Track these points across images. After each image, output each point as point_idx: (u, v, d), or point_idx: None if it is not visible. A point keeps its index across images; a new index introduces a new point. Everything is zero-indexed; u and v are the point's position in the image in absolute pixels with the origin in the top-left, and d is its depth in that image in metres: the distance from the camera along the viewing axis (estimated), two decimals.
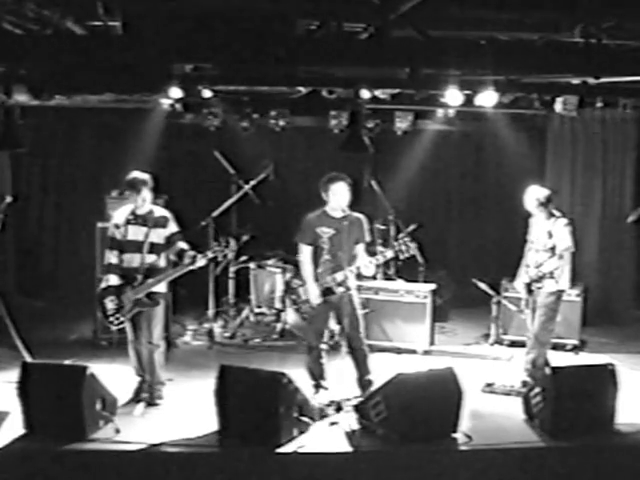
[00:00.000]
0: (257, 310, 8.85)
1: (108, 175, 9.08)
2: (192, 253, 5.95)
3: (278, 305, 8.58)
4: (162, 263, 6.14)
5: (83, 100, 8.88)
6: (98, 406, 5.46)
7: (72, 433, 5.27)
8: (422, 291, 8.01)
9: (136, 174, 6.12)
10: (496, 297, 8.11)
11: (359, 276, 6.45)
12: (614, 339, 8.45)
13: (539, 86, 7.91)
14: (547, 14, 6.05)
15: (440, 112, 9.48)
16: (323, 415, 5.79)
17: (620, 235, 9.39)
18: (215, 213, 8.63)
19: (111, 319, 6.06)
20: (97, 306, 6.23)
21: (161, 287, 6.11)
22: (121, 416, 5.70)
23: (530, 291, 6.70)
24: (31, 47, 5.77)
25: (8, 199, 7.34)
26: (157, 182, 6.25)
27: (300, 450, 5.24)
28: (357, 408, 5.67)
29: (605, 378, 5.62)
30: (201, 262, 5.96)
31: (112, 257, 6.13)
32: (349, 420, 5.65)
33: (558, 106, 8.50)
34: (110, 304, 6.04)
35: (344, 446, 5.35)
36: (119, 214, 6.21)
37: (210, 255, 6.04)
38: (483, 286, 8.14)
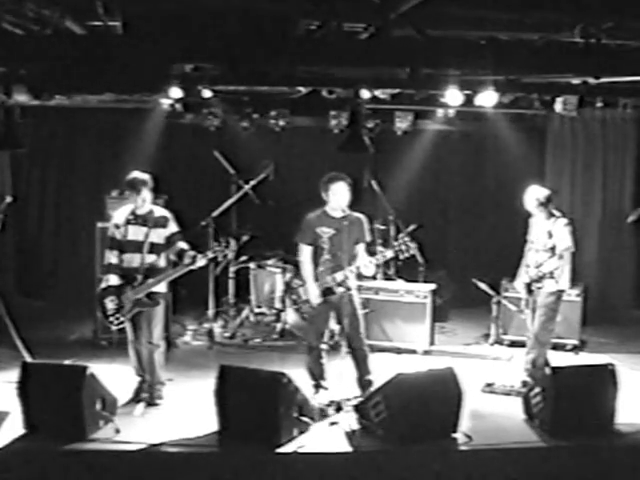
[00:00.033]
0: (257, 310, 8.84)
1: (108, 175, 9.07)
2: (192, 253, 5.95)
3: (278, 305, 8.58)
4: (162, 263, 6.14)
5: (83, 100, 8.88)
6: (98, 406, 5.46)
7: (72, 433, 5.27)
8: (422, 291, 8.01)
9: (136, 174, 6.12)
10: (496, 297, 8.11)
11: (359, 276, 6.45)
12: (614, 339, 8.45)
13: (539, 86, 7.92)
14: (547, 14, 6.05)
15: (440, 112, 9.48)
16: (323, 415, 5.79)
17: (620, 235, 9.40)
18: (215, 213, 8.63)
19: (111, 319, 6.06)
20: (97, 306, 6.23)
21: (161, 287, 6.11)
22: (121, 416, 5.70)
23: (530, 291, 6.70)
24: (31, 47, 5.77)
25: (8, 199, 7.34)
26: (157, 182, 6.25)
27: (300, 450, 5.24)
28: (357, 408, 5.67)
29: (605, 378, 5.62)
30: (201, 262, 5.96)
31: (112, 257, 6.13)
32: (349, 420, 5.65)
33: (558, 106, 8.50)
34: (110, 304, 6.04)
35: (344, 446, 5.36)
36: (119, 214, 6.21)
37: (210, 255, 6.04)
38: (483, 286, 8.14)
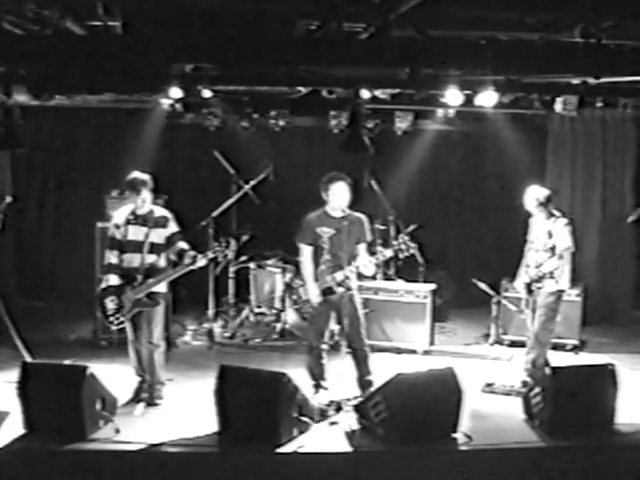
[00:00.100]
0: (257, 310, 8.85)
1: (108, 175, 9.06)
2: (192, 253, 5.95)
3: (278, 305, 8.58)
4: (162, 263, 6.14)
5: (83, 100, 8.88)
6: (98, 406, 5.46)
7: (72, 433, 5.27)
8: (422, 291, 8.01)
9: (136, 174, 6.12)
10: (496, 297, 8.11)
11: (359, 276, 6.45)
12: (614, 339, 8.46)
13: (539, 86, 7.91)
14: (547, 14, 6.05)
15: (440, 112, 9.47)
16: (323, 415, 5.79)
17: (620, 235, 9.40)
18: (215, 213, 8.64)
19: (111, 319, 6.06)
20: (97, 306, 6.23)
21: (161, 287, 6.11)
22: (121, 416, 5.71)
23: (530, 291, 6.70)
24: (31, 47, 5.76)
25: (8, 199, 7.34)
26: (157, 182, 6.26)
27: (300, 450, 5.24)
28: (357, 408, 5.67)
29: (605, 378, 5.62)
30: (201, 262, 5.96)
31: (112, 257, 6.13)
32: (349, 420, 5.65)
33: (558, 106, 8.51)
34: (110, 304, 6.04)
35: (344, 446, 5.36)
36: (119, 214, 6.22)
37: (210, 255, 6.04)
38: (483, 286, 8.14)
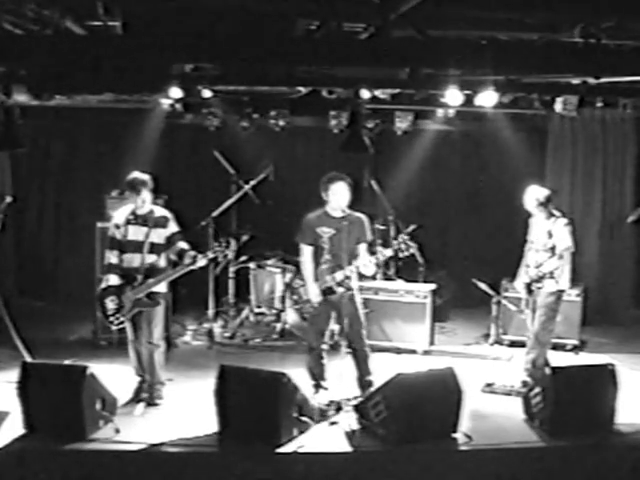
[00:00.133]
0: (257, 310, 8.85)
1: (108, 175, 9.06)
2: (193, 253, 5.95)
3: (278, 305, 8.58)
4: (162, 263, 6.14)
5: (83, 100, 8.88)
6: (98, 406, 5.46)
7: (72, 433, 5.27)
8: (422, 291, 8.01)
9: (136, 175, 6.12)
10: (496, 297, 8.11)
11: (360, 276, 6.45)
12: (614, 339, 8.45)
13: (539, 86, 7.91)
14: (547, 14, 6.05)
15: (440, 112, 9.47)
16: (323, 415, 5.79)
17: (620, 235, 9.39)
18: (215, 213, 8.64)
19: (111, 319, 6.06)
20: (97, 306, 6.23)
21: (161, 287, 6.11)
22: (121, 416, 5.71)
23: (530, 291, 6.70)
24: (31, 47, 5.77)
25: (8, 199, 7.34)
26: (157, 182, 6.25)
27: (300, 450, 5.24)
28: (357, 408, 5.67)
29: (605, 378, 5.62)
30: (202, 262, 5.96)
31: (112, 257, 6.13)
32: (349, 420, 5.65)
33: (558, 106, 8.51)
34: (110, 304, 6.04)
35: (344, 446, 5.36)
36: (119, 214, 6.21)
37: (211, 255, 6.04)
38: (483, 286, 8.13)
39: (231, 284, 9.00)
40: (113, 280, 6.07)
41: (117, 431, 5.43)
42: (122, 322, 6.06)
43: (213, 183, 9.50)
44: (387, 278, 8.75)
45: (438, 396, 5.41)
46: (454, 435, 5.42)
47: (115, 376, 6.27)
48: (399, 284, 8.35)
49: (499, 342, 8.16)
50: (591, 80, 7.29)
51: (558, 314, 6.72)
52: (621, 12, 5.86)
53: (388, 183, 9.48)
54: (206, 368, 6.60)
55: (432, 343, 8.00)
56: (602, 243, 9.40)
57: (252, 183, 9.06)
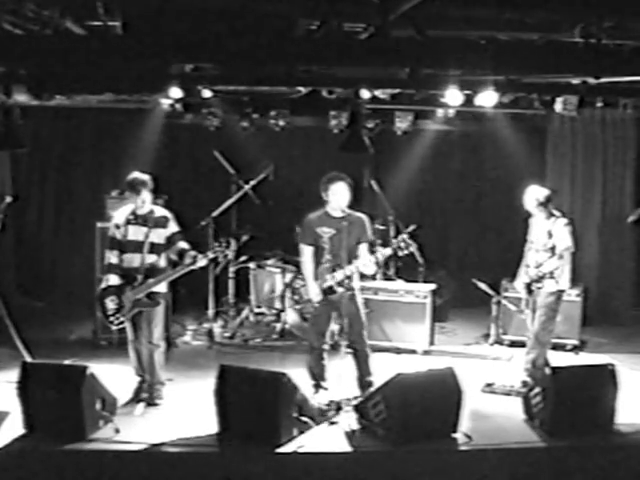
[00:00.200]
0: (257, 310, 8.85)
1: (108, 175, 9.10)
2: (193, 253, 5.95)
3: (278, 305, 8.58)
4: (162, 263, 6.14)
5: (83, 100, 8.88)
6: (98, 406, 5.46)
7: (72, 433, 5.27)
8: (422, 291, 8.01)
9: (136, 175, 6.12)
10: (496, 297, 8.11)
11: (361, 276, 6.44)
12: (614, 339, 8.45)
13: (539, 86, 7.91)
14: (547, 14, 6.05)
15: (440, 112, 9.47)
16: (323, 415, 5.79)
17: (620, 235, 9.39)
18: (215, 213, 8.64)
19: (111, 319, 6.06)
20: (97, 306, 6.23)
21: (161, 287, 6.11)
22: (121, 416, 5.71)
23: (530, 291, 6.70)
24: (31, 47, 5.77)
25: (8, 199, 7.34)
26: (157, 182, 6.25)
27: (300, 450, 5.24)
28: (357, 408, 5.67)
29: (605, 378, 5.62)
30: (202, 262, 5.96)
31: (112, 257, 6.13)
32: (349, 420, 5.65)
33: (558, 106, 8.51)
34: (110, 304, 6.04)
35: (344, 446, 5.35)
36: (119, 214, 6.21)
37: (211, 255, 6.04)
38: (483, 286, 8.13)
39: (231, 284, 9.00)
40: (113, 280, 6.07)
41: (117, 431, 5.43)
42: (122, 322, 6.06)
43: (213, 183, 9.50)
44: (387, 278, 8.75)
45: (438, 396, 5.41)
46: (454, 435, 5.42)
47: (115, 376, 6.27)
48: (399, 284, 8.35)
49: (499, 342, 8.16)
50: (591, 80, 7.29)
51: (558, 314, 6.72)
52: (621, 12, 5.86)
53: (388, 183, 9.47)
54: (206, 368, 6.61)
55: (432, 343, 8.00)
56: (602, 243, 9.40)
57: (252, 183, 9.06)
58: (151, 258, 6.06)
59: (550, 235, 6.60)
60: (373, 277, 7.87)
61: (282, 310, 8.43)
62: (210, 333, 8.25)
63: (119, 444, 5.28)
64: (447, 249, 10.32)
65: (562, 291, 6.69)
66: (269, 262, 8.84)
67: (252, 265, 8.90)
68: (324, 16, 6.12)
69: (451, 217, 10.35)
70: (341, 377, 6.13)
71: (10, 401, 5.57)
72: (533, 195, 6.69)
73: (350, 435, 5.49)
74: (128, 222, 6.11)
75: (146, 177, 6.11)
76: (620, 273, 9.46)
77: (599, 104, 8.93)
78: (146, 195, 6.07)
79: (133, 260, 6.06)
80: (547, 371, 5.70)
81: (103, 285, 6.13)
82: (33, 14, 5.85)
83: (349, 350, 6.28)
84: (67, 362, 6.50)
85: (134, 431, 5.51)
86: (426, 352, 7.86)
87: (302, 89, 8.53)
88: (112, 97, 8.79)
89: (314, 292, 6.19)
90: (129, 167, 6.50)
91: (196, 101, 8.63)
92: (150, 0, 6.03)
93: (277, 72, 7.42)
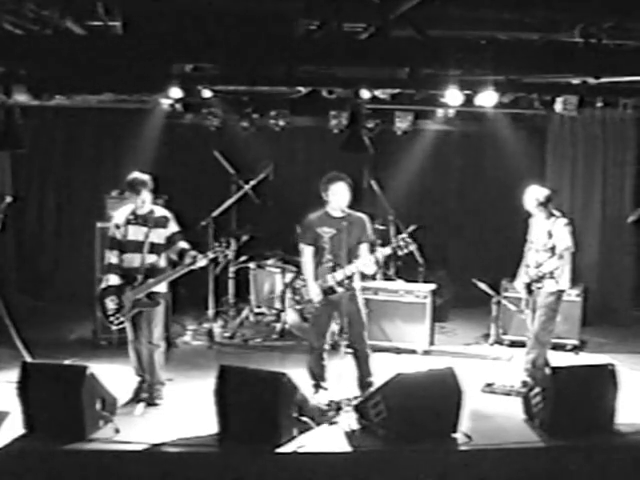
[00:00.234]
0: (257, 310, 8.85)
1: (108, 175, 9.09)
2: (193, 253, 5.96)
3: (278, 305, 8.58)
4: (162, 263, 6.14)
5: (83, 100, 8.89)
6: (98, 406, 5.46)
7: (72, 433, 5.26)
8: (422, 291, 8.01)
9: (136, 175, 6.12)
10: (496, 297, 8.11)
11: (362, 276, 6.44)
12: (614, 339, 8.45)
13: (539, 86, 7.91)
14: (547, 14, 6.05)
15: (440, 112, 9.48)
16: (323, 415, 5.79)
17: (620, 235, 9.39)
18: (215, 213, 8.64)
19: (111, 319, 6.06)
20: (97, 306, 6.23)
21: (161, 287, 6.11)
22: (121, 416, 5.71)
23: (530, 291, 6.69)
24: (31, 47, 5.77)
25: (8, 199, 7.34)
26: (157, 182, 6.25)
27: (300, 450, 5.24)
28: (357, 408, 5.67)
29: (605, 378, 5.62)
30: (202, 262, 5.96)
31: (112, 257, 6.13)
32: (349, 420, 5.65)
33: (558, 106, 8.51)
34: (110, 304, 6.04)
35: (344, 446, 5.35)
36: (119, 214, 6.21)
37: (211, 255, 6.04)
38: (483, 286, 8.13)
39: (231, 284, 9.00)
40: (113, 280, 6.07)
41: (117, 431, 5.43)
42: (122, 322, 6.06)
43: (213, 183, 9.50)
44: (387, 278, 8.75)
45: (438, 396, 5.41)
46: (454, 435, 5.42)
47: (115, 376, 6.27)
48: (399, 284, 8.35)
49: (499, 342, 8.16)
50: (591, 80, 7.29)
51: (558, 314, 6.72)
52: (621, 12, 5.86)
53: (388, 183, 9.47)
54: (206, 368, 6.61)
55: (432, 343, 8.00)
56: (602, 243, 9.40)
57: (252, 183, 9.06)
58: (151, 258, 6.06)
59: (550, 235, 6.60)
60: (373, 277, 7.87)
61: (282, 310, 8.43)
62: (210, 333, 8.25)
63: (119, 444, 5.28)
64: (447, 249, 10.30)
65: (562, 291, 6.68)
66: (269, 262, 8.84)
67: (252, 265, 8.90)
68: (324, 16, 6.12)
69: (451, 217, 10.34)
70: (341, 377, 6.13)
71: (10, 401, 5.57)
72: (533, 195, 6.69)
73: (350, 435, 5.49)
74: (128, 222, 6.11)
75: (146, 177, 6.11)
76: (620, 273, 9.46)
77: (599, 104, 8.93)
78: (146, 195, 6.07)
79: (133, 260, 6.06)
80: (547, 371, 5.70)
81: (103, 285, 6.13)
82: (33, 14, 5.85)
83: (349, 350, 6.28)
84: (67, 362, 6.50)
85: (134, 431, 5.51)
86: (426, 352, 7.86)
87: (302, 89, 8.54)
88: (112, 97, 8.79)
89: (314, 292, 6.19)
90: (129, 167, 6.50)
91: (196, 101, 8.63)
92: (150, 0, 6.02)
93: (277, 72, 7.42)
